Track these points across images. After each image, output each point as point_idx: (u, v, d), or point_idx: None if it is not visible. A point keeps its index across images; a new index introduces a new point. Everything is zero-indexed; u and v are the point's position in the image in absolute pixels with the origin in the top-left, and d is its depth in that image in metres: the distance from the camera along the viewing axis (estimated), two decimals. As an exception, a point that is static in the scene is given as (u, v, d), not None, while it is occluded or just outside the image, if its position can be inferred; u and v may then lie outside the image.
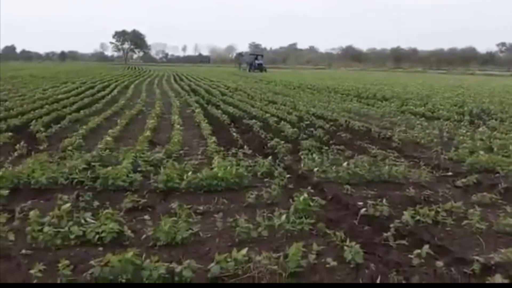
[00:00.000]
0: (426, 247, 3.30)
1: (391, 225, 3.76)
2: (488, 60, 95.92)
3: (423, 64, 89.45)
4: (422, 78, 46.42)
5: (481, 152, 6.85)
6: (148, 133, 8.32)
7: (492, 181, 5.58)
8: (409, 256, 3.31)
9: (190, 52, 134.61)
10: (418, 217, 4.06)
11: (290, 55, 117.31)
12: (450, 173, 6.03)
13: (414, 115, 12.65)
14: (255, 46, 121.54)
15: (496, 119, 11.92)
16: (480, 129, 10.00)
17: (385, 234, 3.65)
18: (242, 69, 63.77)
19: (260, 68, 58.35)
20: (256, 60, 62.19)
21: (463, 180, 5.58)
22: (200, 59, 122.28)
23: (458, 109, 14.46)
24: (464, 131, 9.47)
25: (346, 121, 10.85)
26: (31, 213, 3.72)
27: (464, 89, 26.09)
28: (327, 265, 3.14)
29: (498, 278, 2.76)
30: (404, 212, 4.09)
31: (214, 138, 7.86)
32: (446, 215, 4.18)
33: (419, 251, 3.28)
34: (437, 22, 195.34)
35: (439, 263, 3.16)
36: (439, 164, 6.54)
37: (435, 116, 12.52)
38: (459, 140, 8.31)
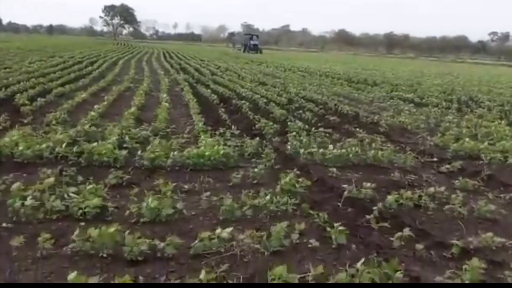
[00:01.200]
0: (407, 230, 3.35)
1: (374, 208, 3.81)
2: (479, 49, 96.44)
3: (415, 51, 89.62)
4: (413, 64, 46.57)
5: (467, 139, 6.93)
6: (134, 110, 8.21)
7: (476, 168, 5.66)
8: (390, 238, 3.36)
9: (181, 30, 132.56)
10: (401, 201, 4.12)
11: (282, 37, 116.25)
12: (435, 159, 6.10)
13: (403, 101, 12.70)
14: (247, 27, 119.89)
15: (483, 108, 12.05)
16: (467, 116, 10.10)
17: (367, 217, 3.69)
18: (237, 49, 61.62)
19: (256, 49, 56.07)
20: (251, 40, 59.91)
21: (447, 166, 5.66)
22: (191, 38, 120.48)
23: (446, 96, 14.56)
24: (451, 118, 9.56)
25: (335, 104, 10.85)
26: (13, 186, 3.67)
27: (454, 77, 26.25)
28: (310, 245, 3.18)
29: (475, 262, 2.81)
30: (388, 196, 4.14)
31: (202, 117, 7.80)
32: (428, 199, 4.23)
33: (400, 233, 3.33)
34: (430, 8, 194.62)
35: (419, 246, 3.22)
36: (424, 149, 6.61)
37: (424, 103, 12.59)
38: (446, 127, 8.39)
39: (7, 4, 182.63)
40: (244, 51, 56.06)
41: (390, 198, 4.08)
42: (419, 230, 3.59)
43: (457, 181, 5.01)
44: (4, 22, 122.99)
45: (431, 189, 4.41)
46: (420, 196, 4.25)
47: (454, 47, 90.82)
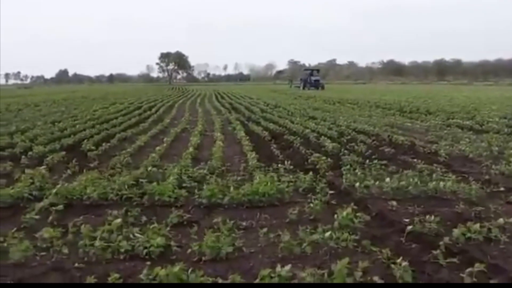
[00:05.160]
0: (478, 266, 3.15)
1: (441, 243, 3.63)
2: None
3: (468, 76, 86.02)
4: (468, 90, 44.68)
5: (536, 166, 6.48)
6: (191, 150, 8.53)
7: (549, 197, 5.26)
8: (461, 275, 3.18)
9: (230, 71, 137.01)
10: (469, 234, 3.90)
11: (329, 71, 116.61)
12: (502, 188, 5.74)
13: (461, 129, 12.19)
14: (294, 63, 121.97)
15: (551, 131, 11.25)
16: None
17: (434, 252, 3.53)
18: (294, 87, 56.27)
19: (317, 85, 49.83)
20: (311, 76, 53.96)
21: (517, 195, 5.31)
22: (240, 78, 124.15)
23: (508, 121, 13.78)
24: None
25: (388, 135, 10.62)
26: (83, 227, 3.91)
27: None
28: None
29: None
30: (454, 229, 3.94)
31: (255, 154, 7.93)
32: (499, 232, 3.98)
33: (471, 269, 3.14)
34: (481, 32, 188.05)
35: (493, 282, 3.02)
36: (489, 179, 6.25)
37: (484, 129, 12.00)
38: (510, 154, 7.91)
39: (72, 57, 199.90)
40: (303, 88, 50.23)
41: (456, 231, 3.87)
42: (492, 265, 3.36)
43: (529, 211, 4.67)
44: (70, 73, 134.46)
45: (501, 221, 4.14)
46: (489, 229, 4.00)
47: (510, 70, 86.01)
